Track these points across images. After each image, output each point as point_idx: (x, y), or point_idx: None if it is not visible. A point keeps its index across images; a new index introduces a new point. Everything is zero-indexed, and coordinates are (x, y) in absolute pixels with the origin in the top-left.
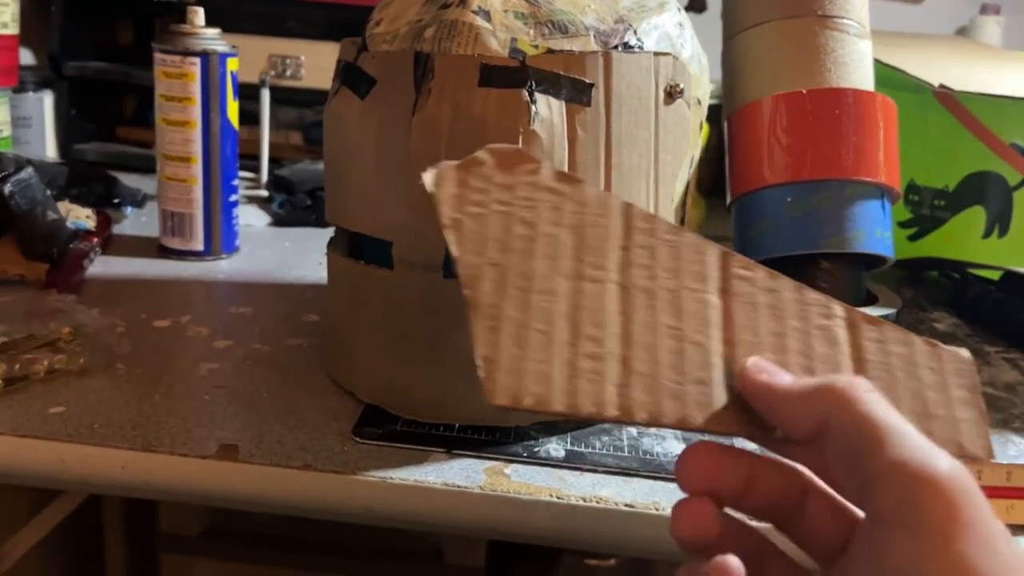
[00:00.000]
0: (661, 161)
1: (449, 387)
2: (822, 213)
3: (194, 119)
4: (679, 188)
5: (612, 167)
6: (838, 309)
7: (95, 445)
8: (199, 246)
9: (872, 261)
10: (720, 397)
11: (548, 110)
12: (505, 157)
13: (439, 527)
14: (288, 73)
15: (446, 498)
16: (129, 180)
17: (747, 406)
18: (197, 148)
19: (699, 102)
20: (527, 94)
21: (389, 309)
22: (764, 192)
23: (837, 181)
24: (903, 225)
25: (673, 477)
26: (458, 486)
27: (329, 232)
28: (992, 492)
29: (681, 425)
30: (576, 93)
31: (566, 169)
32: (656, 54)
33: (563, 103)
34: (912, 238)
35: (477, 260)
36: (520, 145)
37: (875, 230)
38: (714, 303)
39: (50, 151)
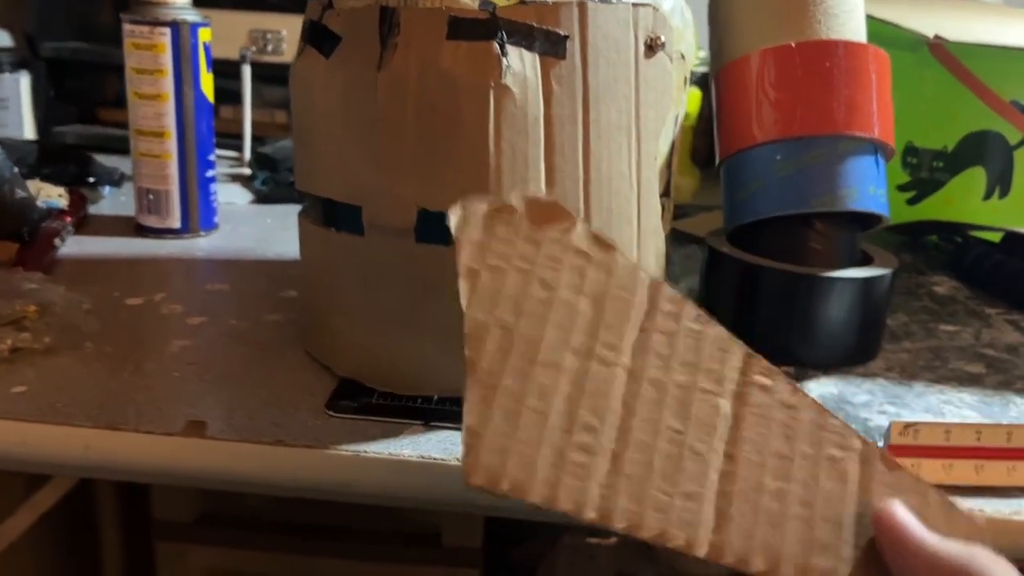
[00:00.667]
0: (642, 117)
1: (427, 358)
2: (813, 171)
3: (166, 92)
4: (663, 147)
5: (590, 123)
6: (855, 442)
7: (58, 424)
8: (176, 224)
9: (867, 221)
10: (707, 516)
11: (521, 63)
12: (539, 209)
13: (415, 501)
14: (270, 48)
15: (422, 471)
16: (112, 162)
17: (726, 532)
18: (171, 122)
19: (683, 57)
20: (498, 47)
21: (362, 278)
22: (753, 151)
23: (828, 137)
24: (902, 188)
25: None
26: (435, 459)
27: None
28: (992, 454)
29: (659, 541)
30: (550, 45)
31: (541, 126)
32: (635, 5)
33: (537, 56)
34: (911, 202)
35: (485, 319)
36: (492, 101)
37: (868, 187)
38: (725, 411)
39: (28, 134)
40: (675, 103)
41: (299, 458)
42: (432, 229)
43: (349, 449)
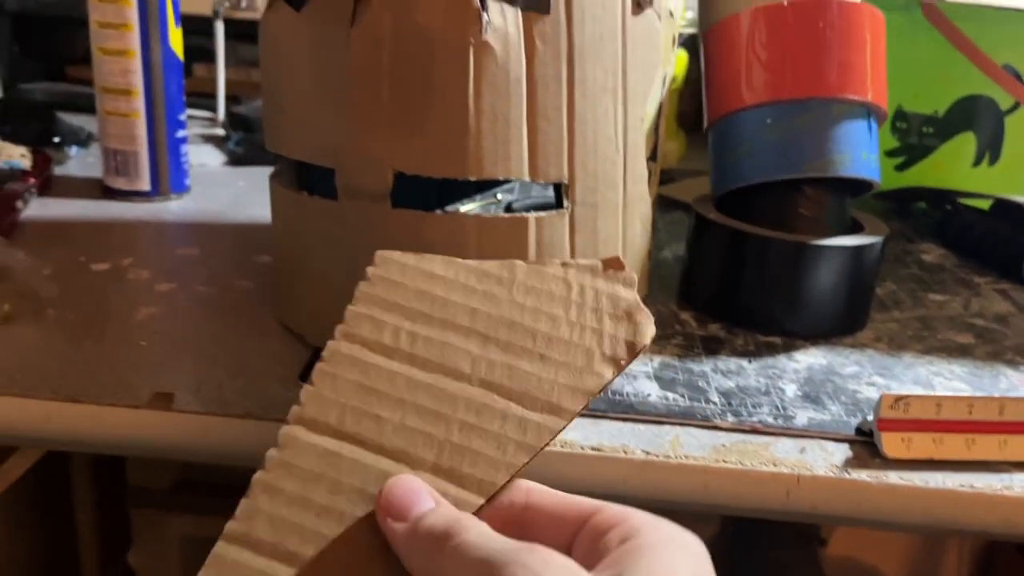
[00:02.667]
0: (630, 78)
1: None
2: (805, 135)
3: (133, 48)
4: (650, 110)
5: (575, 83)
6: None
7: (16, 396)
8: (145, 186)
9: (856, 187)
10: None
11: (502, 18)
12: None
13: None
14: (243, 4)
15: None
16: (81, 121)
17: None
18: (138, 80)
19: (671, 15)
20: (478, 1)
21: (334, 243)
22: (742, 114)
23: (821, 100)
24: (890, 154)
25: (643, 418)
26: None
27: None
28: (984, 427)
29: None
30: (534, 0)
31: (524, 86)
32: None
33: (519, 11)
34: (900, 168)
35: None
36: (471, 58)
37: (861, 152)
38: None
39: None
40: (663, 63)
41: (269, 431)
42: (408, 194)
43: None
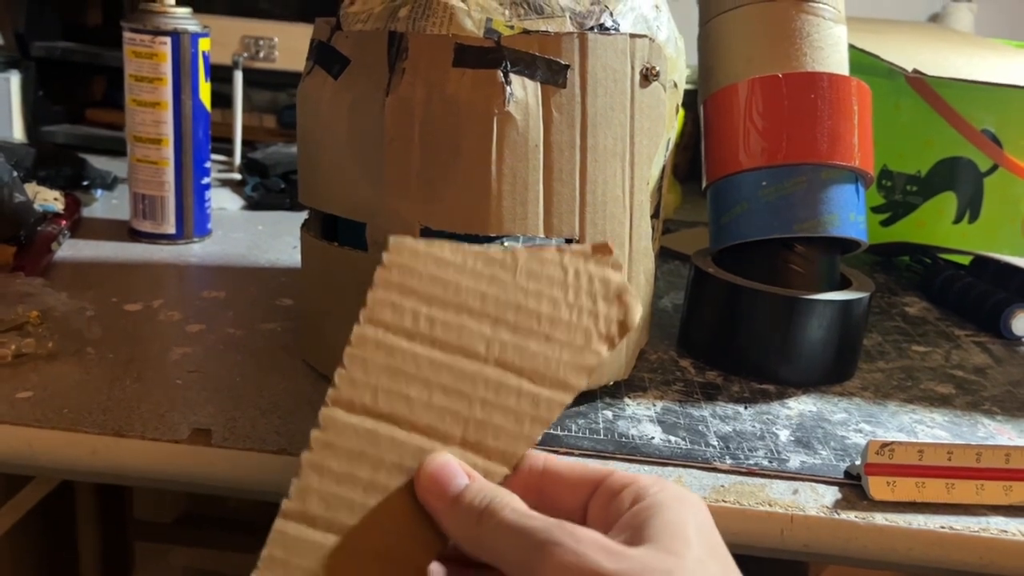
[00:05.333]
0: (637, 144)
1: None
2: (797, 197)
3: (165, 100)
4: (655, 172)
5: (587, 149)
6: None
7: (65, 430)
8: (171, 229)
9: (846, 245)
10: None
11: (523, 91)
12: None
13: None
14: (261, 55)
15: None
16: (99, 163)
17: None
18: (168, 130)
19: (675, 85)
20: (502, 75)
21: (363, 292)
22: (739, 176)
23: (812, 165)
24: (876, 210)
25: (647, 459)
26: None
27: (304, 215)
28: (962, 473)
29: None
30: (551, 74)
31: (541, 152)
32: (632, 36)
33: (538, 84)
34: (884, 223)
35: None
36: (495, 126)
37: (849, 214)
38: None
39: (17, 133)
40: (667, 130)
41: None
42: None
43: None
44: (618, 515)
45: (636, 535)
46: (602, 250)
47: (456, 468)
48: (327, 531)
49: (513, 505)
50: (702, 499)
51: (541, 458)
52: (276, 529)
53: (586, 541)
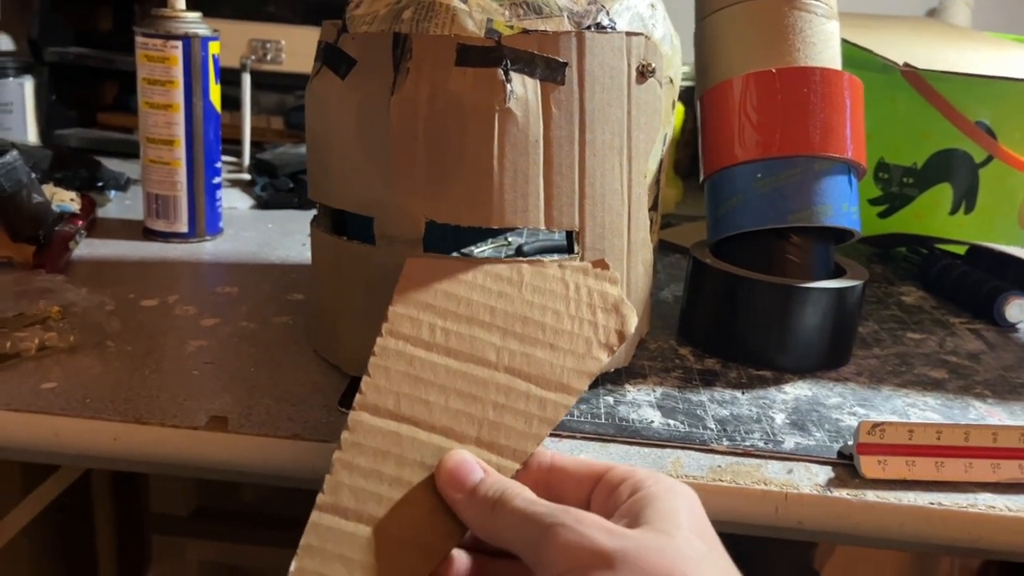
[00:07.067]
0: (634, 138)
1: None
2: (791, 188)
3: (177, 102)
4: (652, 166)
5: (586, 144)
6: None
7: (88, 418)
8: (184, 228)
9: (840, 235)
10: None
11: (523, 88)
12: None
13: None
14: (269, 57)
15: None
16: (111, 165)
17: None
18: (180, 131)
19: (671, 81)
20: (503, 73)
21: (371, 284)
22: (735, 169)
23: (805, 157)
24: (873, 203)
25: (647, 442)
26: None
27: (312, 212)
28: (951, 452)
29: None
30: (550, 72)
31: (541, 147)
32: (628, 34)
33: (538, 82)
34: (882, 215)
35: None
36: (496, 123)
37: (842, 204)
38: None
39: (32, 137)
40: (664, 125)
41: (316, 452)
42: (438, 239)
43: None
44: (617, 505)
45: (633, 521)
46: (600, 265)
47: (472, 464)
48: (358, 522)
49: (523, 495)
50: (693, 490)
51: (548, 455)
52: (312, 521)
53: (588, 522)
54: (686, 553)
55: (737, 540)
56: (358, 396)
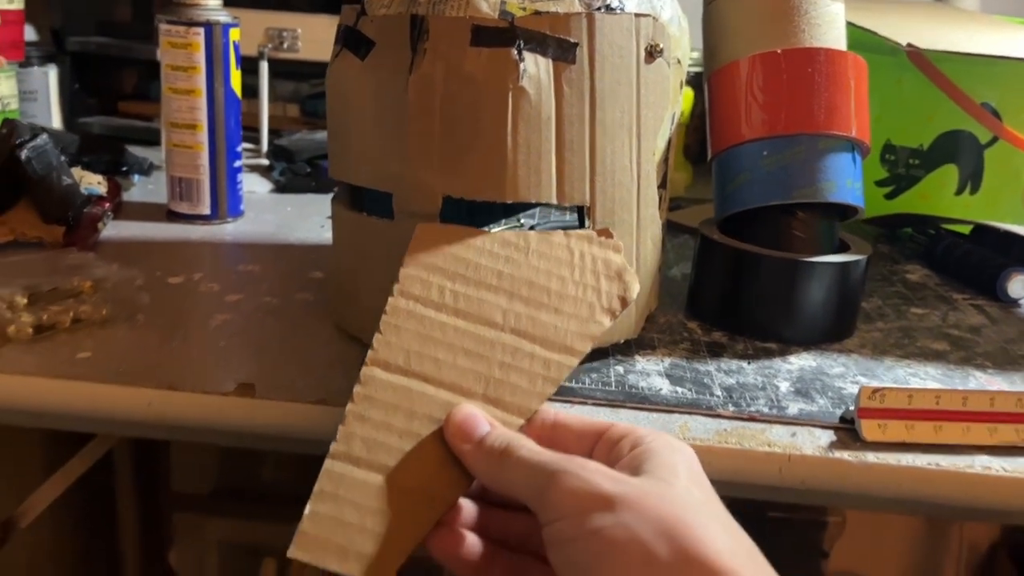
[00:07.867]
0: (643, 116)
1: None
2: (796, 165)
3: (199, 87)
4: (660, 144)
5: (596, 122)
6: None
7: (123, 385)
8: (206, 210)
9: (845, 211)
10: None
11: (536, 68)
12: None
13: None
14: (286, 46)
15: None
16: (133, 151)
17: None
18: (203, 116)
19: (679, 62)
20: (516, 53)
21: (390, 257)
22: (742, 147)
23: (809, 135)
24: (879, 184)
25: (655, 408)
26: None
27: (330, 196)
28: (950, 416)
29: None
30: (562, 52)
31: (553, 124)
32: (637, 15)
33: (550, 61)
34: (888, 196)
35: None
36: (510, 101)
37: (846, 181)
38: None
39: (56, 124)
40: (672, 104)
41: (339, 415)
42: (454, 213)
43: None
44: (619, 458)
45: (635, 472)
46: (604, 234)
47: (480, 417)
48: (369, 470)
49: (528, 445)
50: (692, 450)
51: (551, 412)
52: (325, 468)
53: (591, 468)
54: (685, 499)
55: (746, 522)
56: (370, 352)
